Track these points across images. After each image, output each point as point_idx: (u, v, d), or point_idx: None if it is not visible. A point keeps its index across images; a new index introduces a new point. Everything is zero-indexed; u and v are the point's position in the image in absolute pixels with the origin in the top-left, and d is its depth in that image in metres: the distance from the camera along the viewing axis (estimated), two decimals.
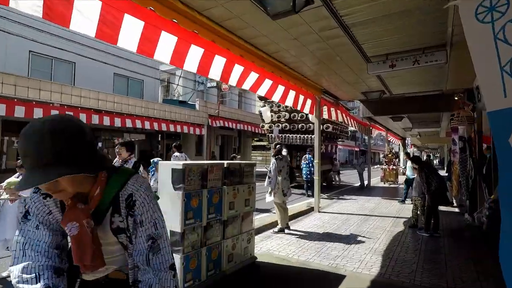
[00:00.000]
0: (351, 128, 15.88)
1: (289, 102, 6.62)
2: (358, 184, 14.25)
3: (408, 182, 8.68)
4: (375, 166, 30.30)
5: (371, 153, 26.63)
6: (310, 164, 9.60)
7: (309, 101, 7.45)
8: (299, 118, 10.83)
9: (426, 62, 4.68)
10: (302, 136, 10.80)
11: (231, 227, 3.61)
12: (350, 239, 5.23)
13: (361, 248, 4.74)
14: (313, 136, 10.16)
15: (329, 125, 10.44)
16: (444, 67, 5.60)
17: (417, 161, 5.70)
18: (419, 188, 5.92)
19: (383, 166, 15.73)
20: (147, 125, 13.70)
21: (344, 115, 9.67)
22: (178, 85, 20.15)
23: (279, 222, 5.59)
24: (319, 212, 7.56)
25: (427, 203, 5.44)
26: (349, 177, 19.40)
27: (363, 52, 4.99)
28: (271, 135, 11.50)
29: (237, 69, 4.67)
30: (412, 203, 6.24)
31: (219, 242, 3.43)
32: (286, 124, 11.16)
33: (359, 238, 5.30)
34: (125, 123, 12.74)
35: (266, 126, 11.79)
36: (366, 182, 13.27)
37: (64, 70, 14.42)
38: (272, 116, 11.38)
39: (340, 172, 14.06)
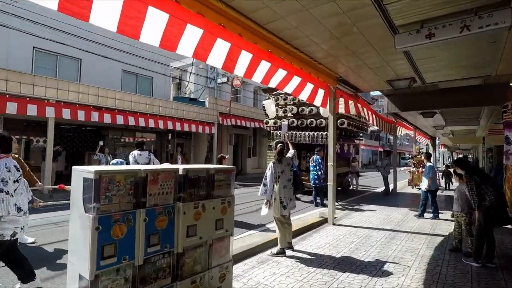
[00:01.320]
0: (373, 127, 14.29)
1: (289, 89, 5.40)
2: (381, 189, 12.69)
3: (431, 192, 7.13)
4: (402, 168, 28.18)
5: (397, 153, 24.63)
6: (318, 167, 8.27)
7: (321, 92, 6.19)
8: (308, 112, 9.42)
9: (481, 28, 3.33)
10: (311, 133, 9.36)
11: (190, 262, 2.49)
12: (372, 269, 3.95)
13: (387, 285, 3.47)
14: (324, 134, 8.81)
15: (344, 120, 8.97)
16: (500, 39, 4.18)
17: (463, 165, 4.29)
18: (463, 201, 4.52)
19: (411, 169, 14.03)
20: (154, 124, 12.90)
21: (365, 109, 8.28)
22: (189, 82, 19.37)
23: (278, 241, 4.40)
24: (333, 224, 6.28)
25: (478, 221, 4.04)
26: (371, 180, 17.74)
27: (389, 18, 3.71)
28: (277, 132, 10.24)
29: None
30: (454, 219, 4.83)
31: (169, 286, 2.32)
32: (294, 119, 9.78)
33: (384, 267, 4.00)
34: (132, 121, 11.99)
35: (271, 122, 10.52)
36: (391, 187, 11.71)
37: (70, 66, 13.94)
38: (277, 110, 10.11)
39: (360, 174, 12.50)
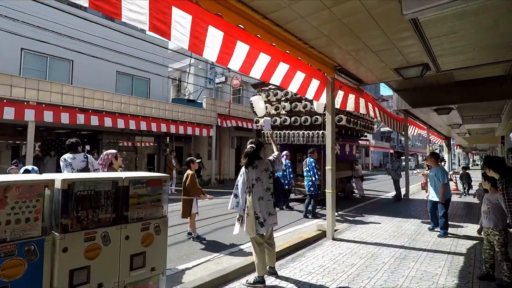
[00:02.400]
0: (385, 128, 13.16)
1: (276, 79, 4.49)
2: (390, 194, 11.55)
3: (433, 203, 5.81)
4: (415, 171, 26.73)
5: (408, 155, 23.19)
6: (312, 172, 7.11)
7: (315, 82, 5.25)
8: (301, 109, 8.31)
9: None
10: (306, 132, 8.18)
11: None
12: None
13: None
14: (320, 132, 7.75)
15: (341, 116, 7.84)
16: None
17: (498, 166, 3.23)
18: (497, 215, 3.49)
19: (425, 171, 12.82)
20: (146, 126, 12.16)
21: (371, 105, 7.27)
22: (187, 83, 18.67)
23: (256, 267, 3.46)
24: (333, 239, 5.29)
25: None
26: (380, 184, 16.52)
27: None
28: (267, 133, 9.24)
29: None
30: (484, 237, 3.79)
31: None
32: (286, 117, 8.64)
33: None
34: (122, 123, 11.29)
35: (261, 121, 9.52)
36: (403, 192, 10.58)
37: (61, 68, 13.38)
38: (267, 107, 9.10)
39: (364, 178, 11.33)
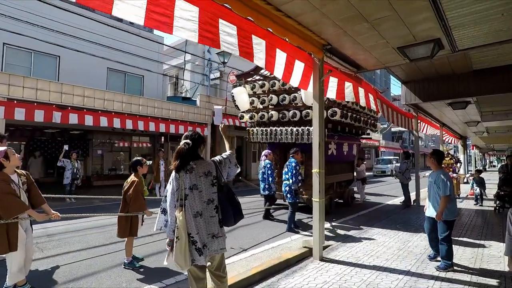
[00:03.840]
0: (395, 128, 11.96)
1: (258, 61, 3.50)
2: (398, 199, 10.36)
3: (431, 221, 4.11)
4: (427, 174, 25.18)
5: (420, 156, 21.78)
6: (289, 174, 6.02)
7: (299, 65, 4.23)
8: (289, 101, 7.16)
9: None
10: (295, 129, 7.02)
11: None
12: None
13: None
14: (311, 129, 6.66)
15: (336, 110, 6.60)
16: None
17: None
18: None
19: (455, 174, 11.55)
20: (132, 125, 11.33)
21: (372, 97, 6.19)
22: (184, 80, 17.87)
23: None
24: (321, 259, 4.26)
25: None
26: (388, 188, 15.25)
27: None
28: (254, 130, 8.16)
29: None
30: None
31: None
32: (273, 112, 7.50)
33: None
34: (105, 122, 10.48)
35: (246, 117, 8.44)
36: (412, 197, 9.42)
37: (46, 64, 12.72)
38: (253, 101, 8.02)
39: (366, 181, 10.11)
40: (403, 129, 11.99)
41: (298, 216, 7.55)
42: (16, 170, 3.19)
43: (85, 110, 10.11)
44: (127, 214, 3.95)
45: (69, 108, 9.73)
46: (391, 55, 4.66)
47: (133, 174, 4.15)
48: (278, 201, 8.00)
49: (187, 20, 2.64)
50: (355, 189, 9.80)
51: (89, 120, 10.09)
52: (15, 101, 8.70)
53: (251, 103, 7.97)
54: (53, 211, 3.33)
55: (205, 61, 17.40)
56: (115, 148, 16.40)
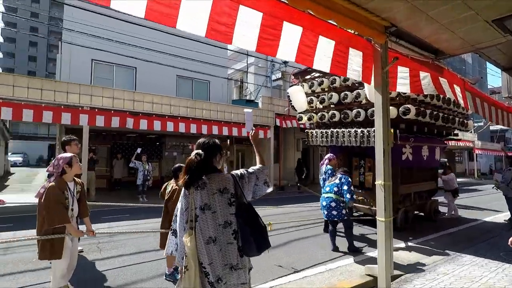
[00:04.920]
0: (494, 126, 9.76)
1: (290, 55, 2.98)
2: (500, 216, 8.30)
3: None
4: None
5: None
6: (347, 189, 5.07)
7: (354, 54, 3.49)
8: (353, 99, 6.19)
9: None
10: (360, 130, 6.02)
11: None
12: None
13: None
14: None
15: (408, 107, 5.34)
16: None
17: None
18: None
19: None
20: (196, 129, 11.72)
21: (459, 89, 4.92)
22: (247, 83, 18.00)
23: None
24: None
25: None
26: (486, 200, 12.57)
27: None
28: (314, 132, 7.38)
29: None
30: None
31: None
32: (335, 112, 6.58)
33: None
34: (171, 127, 11.08)
35: (304, 118, 7.68)
36: None
37: (126, 75, 14.16)
38: (312, 100, 7.24)
39: (458, 193, 8.22)
40: (505, 127, 9.70)
41: (364, 230, 6.60)
42: (74, 178, 3.27)
43: (154, 116, 10.81)
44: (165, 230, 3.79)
45: (140, 114, 10.51)
46: (483, 32, 3.54)
47: (173, 181, 4.00)
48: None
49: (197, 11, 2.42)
50: (447, 201, 8.18)
51: (157, 125, 10.76)
52: (96, 109, 9.75)
53: (310, 102, 7.30)
54: (90, 228, 3.33)
55: (268, 63, 17.23)
56: (186, 150, 17.37)
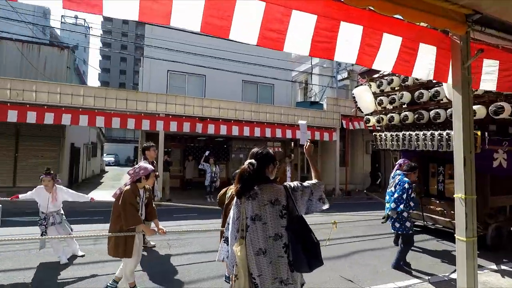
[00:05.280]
0: None
1: (349, 56, 2.80)
2: None
3: None
4: None
5: None
6: (398, 197, 4.50)
7: (426, 50, 3.09)
8: (429, 98, 5.40)
9: None
10: (437, 133, 5.26)
11: None
12: None
13: None
14: None
15: (501, 105, 4.39)
16: None
17: None
18: None
19: None
20: (268, 133, 11.97)
21: None
22: (312, 84, 17.61)
23: None
24: None
25: None
26: None
27: None
28: (382, 135, 6.69)
29: None
30: None
31: None
32: (407, 113, 5.88)
33: None
34: (236, 130, 11.54)
35: (373, 120, 7.03)
36: None
37: (196, 83, 15.21)
38: (381, 101, 6.57)
39: None
40: None
41: (446, 246, 5.82)
42: (145, 186, 3.62)
43: (220, 120, 11.37)
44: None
45: (208, 119, 11.17)
46: None
47: (233, 186, 4.10)
48: (418, 223, 6.43)
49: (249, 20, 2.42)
50: None
51: (223, 130, 11.30)
52: (170, 116, 10.70)
53: (379, 103, 6.76)
54: (160, 227, 3.64)
55: (333, 63, 16.61)
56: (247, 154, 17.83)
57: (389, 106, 6.58)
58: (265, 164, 2.08)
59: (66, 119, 9.28)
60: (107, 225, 3.52)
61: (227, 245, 2.13)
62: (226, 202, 4.01)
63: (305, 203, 2.08)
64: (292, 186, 2.08)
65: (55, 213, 4.44)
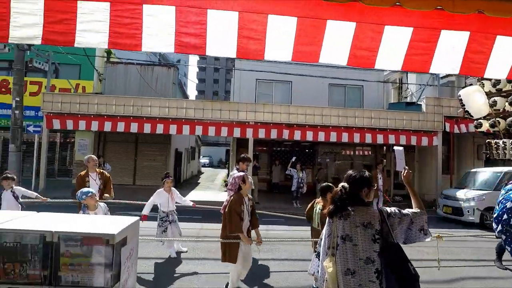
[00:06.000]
0: None
1: (450, 67, 2.56)
2: None
3: None
4: None
5: None
6: (498, 218, 3.43)
7: None
8: None
9: None
10: None
11: None
12: None
13: None
14: None
15: None
16: None
17: None
18: None
19: None
20: (356, 138, 11.54)
21: None
22: (408, 83, 16.01)
23: None
24: None
25: None
26: None
27: None
28: (498, 143, 5.50)
29: None
30: None
31: None
32: None
33: None
34: (322, 136, 11.44)
35: (485, 125, 5.83)
36: None
37: (282, 90, 15.62)
38: (495, 102, 5.39)
39: None
40: None
41: None
42: (247, 194, 3.97)
43: (306, 126, 11.43)
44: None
45: (294, 126, 11.36)
46: None
47: (320, 199, 4.13)
48: None
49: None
50: None
51: (309, 136, 11.33)
52: (258, 124, 11.30)
53: (492, 105, 5.77)
54: (259, 238, 3.95)
55: None
56: (338, 157, 17.29)
57: (509, 108, 5.54)
58: (359, 188, 2.09)
59: (172, 129, 10.82)
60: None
61: (319, 260, 2.23)
62: (321, 215, 3.99)
63: (403, 232, 2.00)
64: (389, 211, 2.03)
65: (173, 211, 5.25)
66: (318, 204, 4.11)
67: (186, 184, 18.22)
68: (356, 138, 11.51)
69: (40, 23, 2.11)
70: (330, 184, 4.13)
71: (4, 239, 1.53)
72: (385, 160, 15.60)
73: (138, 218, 1.93)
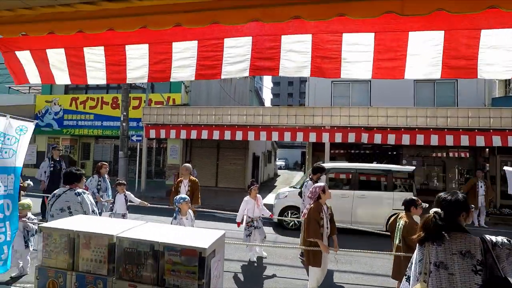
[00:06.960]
0: None
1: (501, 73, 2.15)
2: None
3: None
4: None
5: None
6: None
7: None
8: None
9: None
10: None
11: None
12: None
13: None
14: None
15: None
16: None
17: None
18: None
19: None
20: (449, 141, 10.29)
21: None
22: None
23: None
24: None
25: None
26: None
27: None
28: None
29: None
30: None
31: None
32: None
33: None
34: (416, 140, 10.48)
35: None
36: None
37: (360, 91, 14.83)
38: None
39: None
40: None
41: None
42: (326, 203, 4.08)
43: (388, 129, 10.63)
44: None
45: (374, 129, 10.70)
46: None
47: (404, 214, 3.86)
48: None
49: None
50: None
51: (391, 139, 10.51)
52: (335, 128, 11.00)
53: None
54: (336, 246, 4.04)
55: None
56: (427, 161, 15.54)
57: None
58: (456, 213, 1.93)
59: (250, 135, 11.38)
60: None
61: (408, 284, 2.13)
62: (404, 233, 3.74)
63: (494, 256, 1.79)
64: (494, 241, 1.82)
65: (258, 218, 5.59)
66: (402, 219, 3.84)
67: (263, 187, 18.83)
68: (449, 141, 10.19)
69: (146, 65, 2.57)
70: (414, 198, 3.84)
71: (126, 245, 1.95)
72: (487, 165, 13.45)
73: (224, 232, 2.17)
